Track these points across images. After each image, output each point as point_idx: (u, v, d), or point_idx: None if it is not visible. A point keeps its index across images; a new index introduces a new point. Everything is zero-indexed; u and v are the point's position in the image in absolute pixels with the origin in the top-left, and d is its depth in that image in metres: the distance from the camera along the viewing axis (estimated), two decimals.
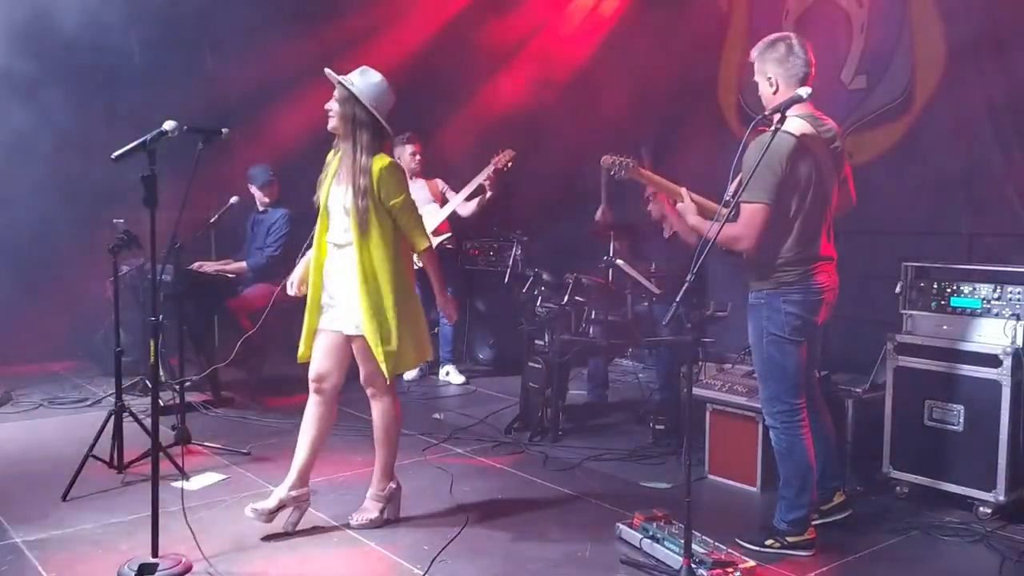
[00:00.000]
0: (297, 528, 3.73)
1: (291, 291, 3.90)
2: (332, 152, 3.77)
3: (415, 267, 3.80)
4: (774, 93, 3.52)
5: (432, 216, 6.43)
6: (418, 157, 6.50)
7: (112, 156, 3.23)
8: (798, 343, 3.53)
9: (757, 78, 3.60)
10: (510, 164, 6.27)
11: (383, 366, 3.62)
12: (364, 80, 3.63)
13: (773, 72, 3.52)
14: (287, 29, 7.19)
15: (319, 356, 3.75)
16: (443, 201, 6.61)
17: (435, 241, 6.36)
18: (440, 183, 6.70)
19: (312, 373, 3.76)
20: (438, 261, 3.87)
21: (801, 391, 3.57)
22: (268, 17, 7.13)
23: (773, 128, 3.33)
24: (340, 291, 3.68)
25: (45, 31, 6.32)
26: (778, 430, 3.60)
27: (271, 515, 3.67)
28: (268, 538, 3.65)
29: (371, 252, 3.61)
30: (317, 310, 3.75)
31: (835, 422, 4.32)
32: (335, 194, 3.68)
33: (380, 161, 3.61)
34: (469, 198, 6.48)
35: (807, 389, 3.65)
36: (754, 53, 3.59)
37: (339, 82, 3.62)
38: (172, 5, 6.79)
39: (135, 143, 3.22)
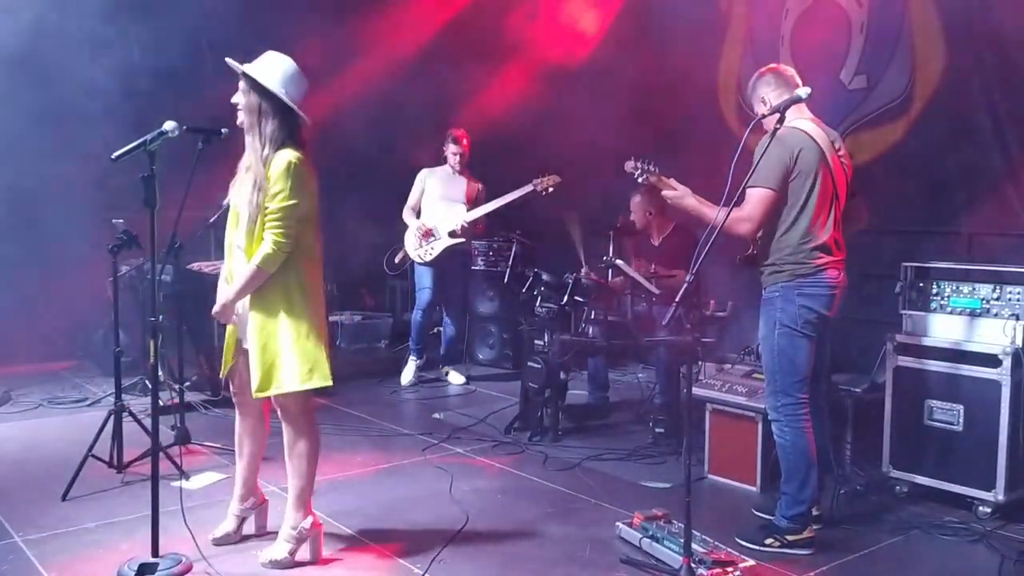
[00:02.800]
0: (267, 529, 3.69)
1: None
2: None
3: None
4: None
5: (456, 216, 6.43)
6: (458, 157, 6.50)
7: (112, 156, 3.22)
8: (808, 337, 3.57)
9: (756, 107, 3.74)
10: (550, 190, 6.21)
11: (255, 381, 3.29)
12: (267, 65, 3.33)
13: (764, 93, 3.69)
14: (287, 28, 7.18)
15: (239, 369, 3.50)
16: (474, 204, 6.54)
17: (448, 243, 6.40)
18: (480, 187, 6.60)
19: (232, 387, 3.59)
20: (251, 281, 3.28)
21: (806, 387, 3.60)
22: (268, 16, 7.13)
23: (773, 128, 3.41)
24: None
25: (44, 30, 6.32)
26: (781, 423, 3.62)
27: (238, 532, 3.62)
28: (268, 538, 3.63)
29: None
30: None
31: (835, 422, 4.34)
32: (240, 193, 3.36)
33: (283, 155, 3.26)
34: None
35: (813, 394, 3.66)
36: (748, 91, 3.82)
37: (241, 72, 3.32)
38: (173, 5, 6.78)
39: (135, 143, 3.22)
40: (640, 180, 3.87)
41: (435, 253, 6.49)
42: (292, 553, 3.41)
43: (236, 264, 3.40)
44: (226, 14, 6.79)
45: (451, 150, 6.53)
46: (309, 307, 3.34)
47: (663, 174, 3.86)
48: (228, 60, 3.36)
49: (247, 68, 3.33)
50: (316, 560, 3.45)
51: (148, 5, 6.82)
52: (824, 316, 3.59)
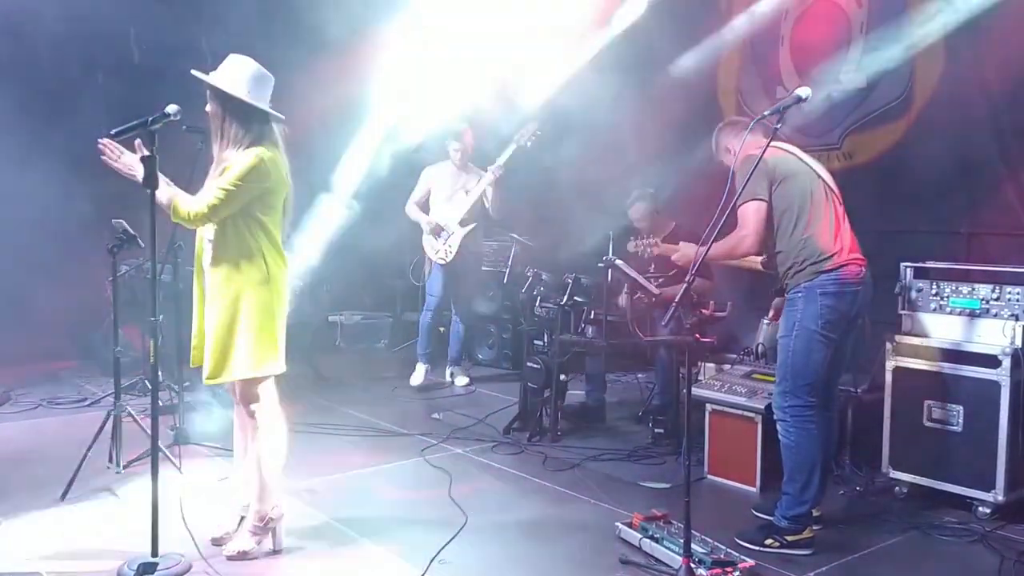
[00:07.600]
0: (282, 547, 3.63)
1: None
2: None
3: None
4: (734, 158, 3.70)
5: (460, 205, 6.36)
6: (459, 153, 6.40)
7: (112, 132, 3.17)
8: (826, 341, 3.55)
9: (724, 158, 3.86)
10: (533, 139, 6.13)
11: (206, 367, 3.34)
12: (227, 70, 3.33)
13: (728, 142, 3.84)
14: (286, 29, 7.19)
15: None
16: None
17: (462, 233, 6.33)
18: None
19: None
20: (167, 204, 3.28)
21: (815, 392, 3.59)
22: (267, 19, 7.14)
23: (773, 127, 3.42)
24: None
25: (43, 30, 6.32)
26: (787, 423, 3.63)
27: (237, 531, 3.58)
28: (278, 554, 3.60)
29: (226, 246, 3.32)
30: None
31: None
32: None
33: (252, 150, 3.28)
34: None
35: (826, 398, 3.66)
36: (712, 148, 3.96)
37: (204, 80, 3.32)
38: (173, 7, 6.80)
39: (136, 122, 3.17)
40: (646, 256, 4.43)
41: (455, 250, 6.39)
42: (259, 543, 3.49)
43: (206, 258, 3.41)
44: (226, 15, 6.80)
45: (452, 146, 6.43)
46: (272, 296, 3.37)
47: (657, 240, 4.47)
48: (193, 71, 3.35)
49: (210, 79, 3.31)
50: (278, 549, 3.53)
51: (148, 4, 6.83)
52: (847, 317, 3.57)
